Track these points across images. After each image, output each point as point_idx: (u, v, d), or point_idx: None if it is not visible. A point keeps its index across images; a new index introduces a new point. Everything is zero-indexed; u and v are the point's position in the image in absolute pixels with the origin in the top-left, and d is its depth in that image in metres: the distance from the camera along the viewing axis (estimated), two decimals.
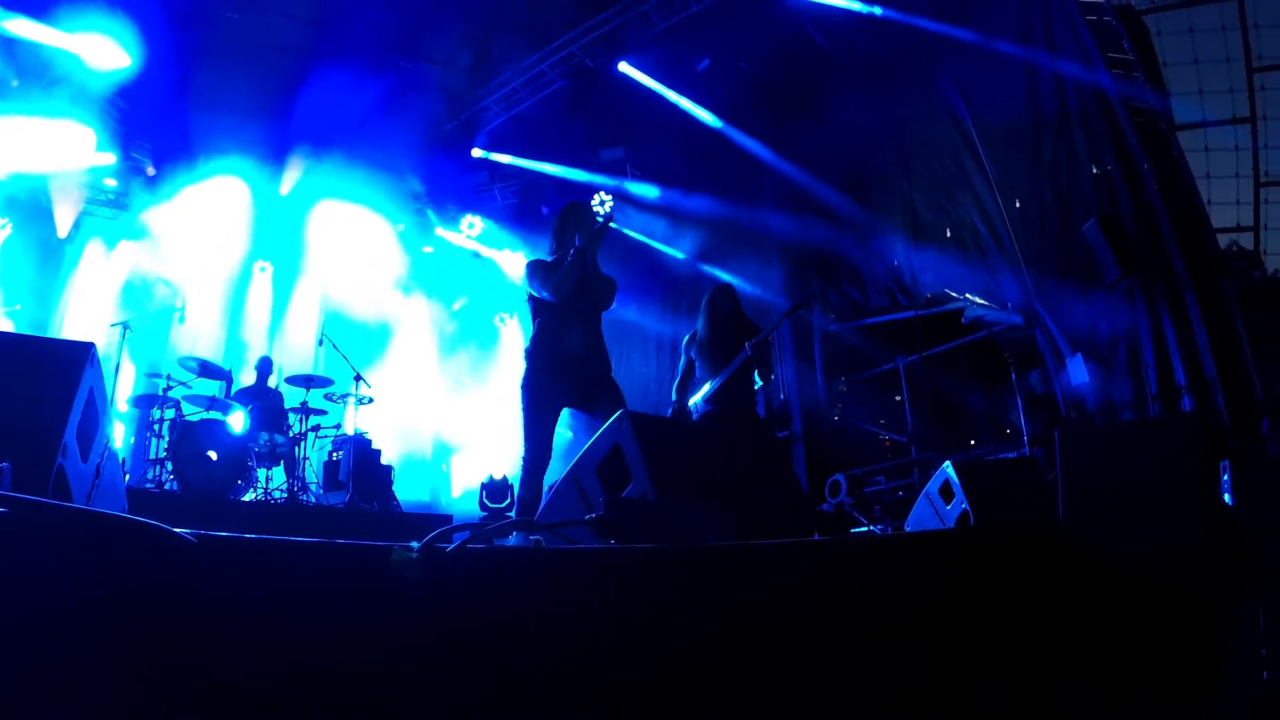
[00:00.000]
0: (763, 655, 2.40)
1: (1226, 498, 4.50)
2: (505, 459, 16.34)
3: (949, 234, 12.85)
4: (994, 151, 11.94)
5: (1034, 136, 11.42)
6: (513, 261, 17.85)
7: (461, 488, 17.66)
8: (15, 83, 12.78)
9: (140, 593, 1.89)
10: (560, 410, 6.16)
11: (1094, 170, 10.99)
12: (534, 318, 6.37)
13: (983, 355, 12.82)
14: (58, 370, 3.49)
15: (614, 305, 6.61)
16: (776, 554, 2.59)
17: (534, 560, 2.25)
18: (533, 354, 6.20)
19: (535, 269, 6.33)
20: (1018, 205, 11.74)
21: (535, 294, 6.29)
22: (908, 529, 7.34)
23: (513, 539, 4.04)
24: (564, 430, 18.00)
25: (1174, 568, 3.20)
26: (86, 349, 3.67)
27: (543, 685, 2.03)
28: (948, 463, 6.81)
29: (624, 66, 14.22)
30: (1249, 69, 12.85)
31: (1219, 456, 4.45)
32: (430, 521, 9.76)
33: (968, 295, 12.58)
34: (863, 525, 11.83)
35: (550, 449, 6.01)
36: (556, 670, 2.05)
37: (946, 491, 6.76)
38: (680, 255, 16.60)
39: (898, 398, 13.92)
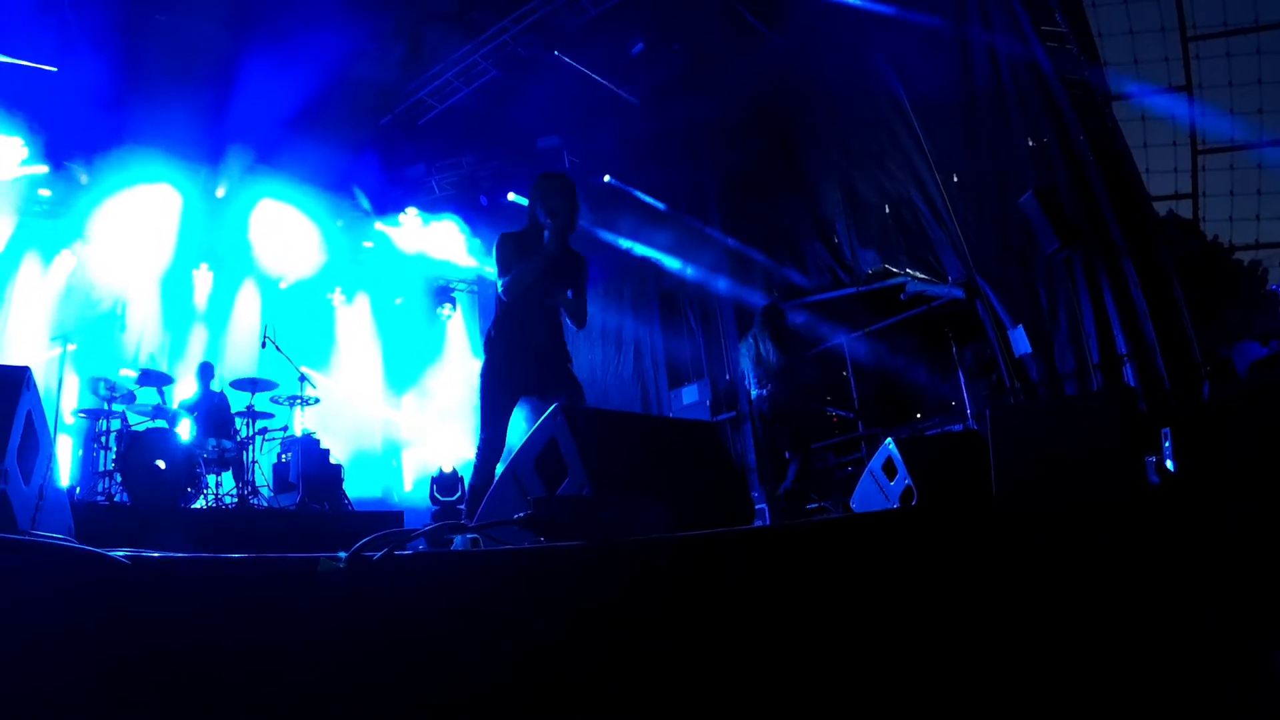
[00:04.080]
0: (699, 646, 2.44)
1: (1169, 464, 4.57)
2: (453, 452, 16.35)
3: (888, 210, 12.96)
4: (930, 127, 12.04)
5: (970, 111, 11.51)
6: (453, 253, 17.78)
7: (412, 481, 17.64)
8: None
9: (79, 618, 1.89)
10: (517, 400, 5.99)
11: (1030, 143, 11.11)
12: (497, 302, 6.11)
13: (925, 330, 12.95)
14: None
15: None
16: (705, 544, 2.62)
17: (460, 564, 2.27)
18: (494, 342, 6.00)
19: (500, 249, 6.01)
20: (955, 180, 11.85)
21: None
22: (853, 505, 7.42)
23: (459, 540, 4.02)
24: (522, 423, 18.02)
25: (1100, 546, 3.27)
26: (22, 373, 3.64)
27: (470, 686, 2.05)
28: (890, 439, 6.90)
29: (557, 54, 14.18)
30: (1184, 38, 13.04)
31: (1156, 426, 4.53)
32: (381, 519, 9.74)
33: (908, 271, 12.70)
34: (813, 503, 11.93)
35: (504, 439, 5.82)
36: (483, 671, 2.07)
37: (890, 468, 6.84)
38: (623, 242, 16.62)
39: (844, 373, 14.05)
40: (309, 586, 1.97)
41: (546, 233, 5.86)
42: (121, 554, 2.00)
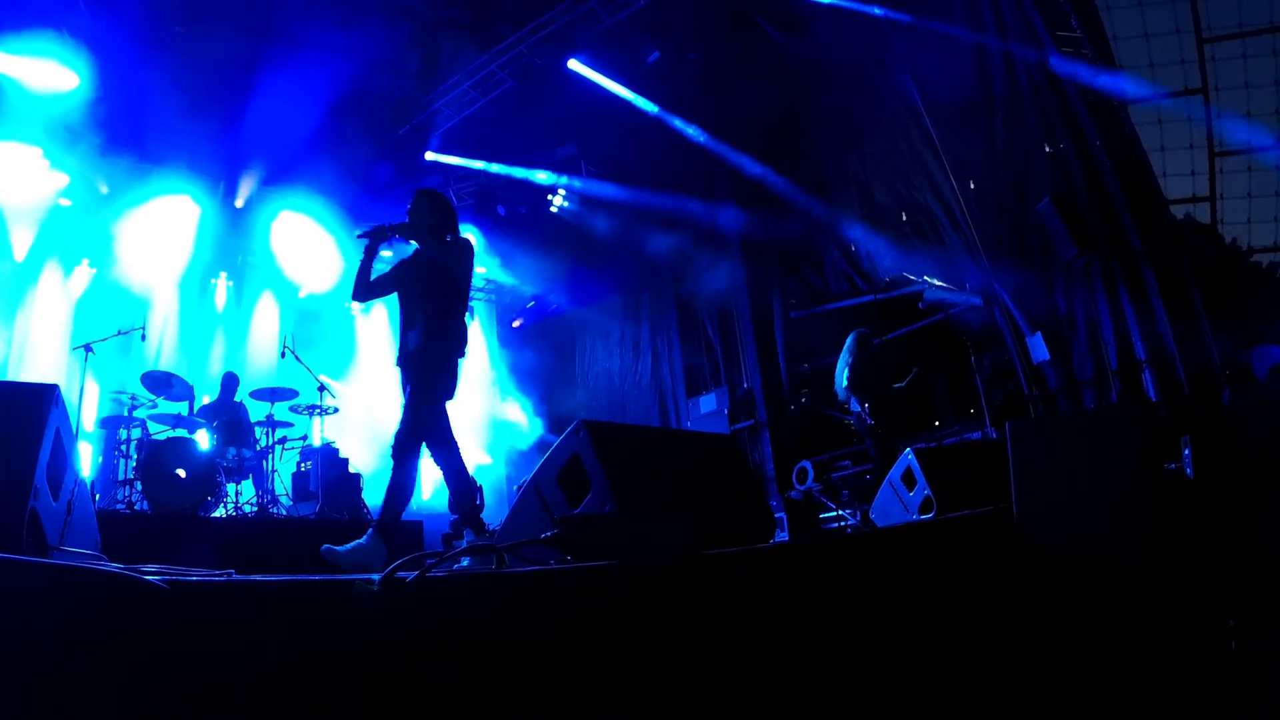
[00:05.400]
0: (731, 660, 2.46)
1: (1188, 472, 4.56)
2: (473, 460, 16.38)
3: (905, 217, 12.95)
4: (947, 134, 12.03)
5: (986, 117, 11.51)
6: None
7: (431, 489, 17.65)
8: None
9: (120, 641, 1.92)
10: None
11: (1046, 149, 11.10)
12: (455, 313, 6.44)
13: (944, 337, 12.93)
14: (23, 414, 3.50)
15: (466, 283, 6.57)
16: (729, 563, 2.64)
17: (490, 586, 2.29)
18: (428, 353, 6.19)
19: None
20: (972, 186, 11.84)
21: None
22: (872, 515, 7.45)
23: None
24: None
25: (1118, 562, 3.28)
26: (51, 391, 3.69)
27: (505, 703, 2.08)
28: (909, 450, 6.92)
29: (573, 64, 14.23)
30: (1199, 40, 12.95)
31: (1170, 441, 4.53)
32: (401, 528, 9.76)
33: (926, 278, 12.69)
34: (831, 510, 11.94)
35: None
36: (516, 688, 2.09)
37: (909, 478, 6.87)
38: (641, 251, 16.65)
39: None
40: (344, 609, 2.00)
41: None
42: (157, 575, 2.03)
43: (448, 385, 6.17)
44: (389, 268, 6.73)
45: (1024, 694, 3.14)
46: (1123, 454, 3.75)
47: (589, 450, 3.81)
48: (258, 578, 2.11)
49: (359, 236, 6.51)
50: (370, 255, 6.46)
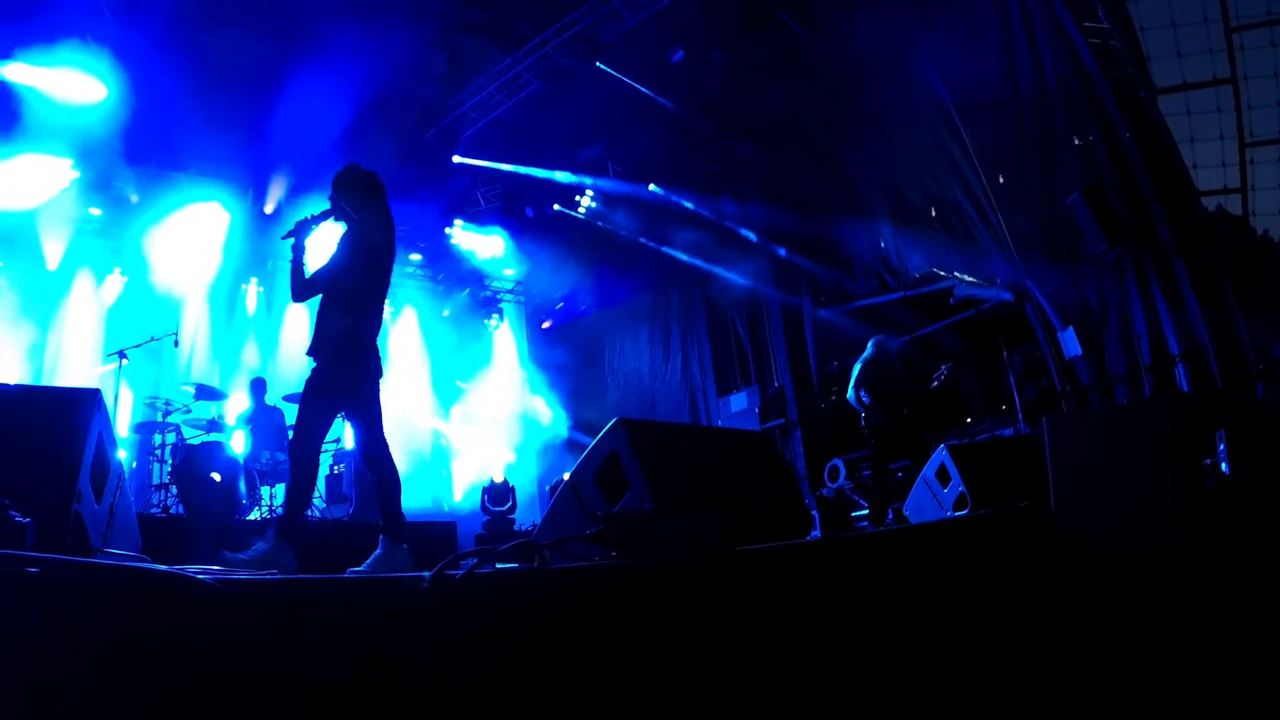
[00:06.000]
0: (762, 655, 2.47)
1: (1223, 467, 4.53)
2: (504, 462, 16.49)
3: (934, 213, 12.88)
4: (974, 128, 11.94)
5: (1014, 111, 11.43)
6: (499, 264, 17.98)
7: (462, 490, 17.74)
8: None
9: (169, 638, 1.94)
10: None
11: (1075, 141, 11.01)
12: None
13: (974, 333, 12.86)
14: (67, 419, 3.56)
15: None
16: (765, 559, 2.65)
17: (538, 582, 2.31)
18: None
19: None
20: (1001, 181, 11.76)
21: None
22: (906, 512, 7.44)
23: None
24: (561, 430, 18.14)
25: (1155, 556, 3.27)
26: (93, 395, 3.74)
27: (556, 697, 2.09)
28: (943, 446, 6.91)
29: (598, 65, 14.23)
30: (1227, 29, 12.80)
31: (1208, 433, 4.50)
32: (434, 529, 9.78)
33: (956, 274, 12.62)
34: (863, 509, 11.90)
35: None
36: (566, 682, 2.11)
37: (943, 475, 6.86)
38: (668, 251, 16.68)
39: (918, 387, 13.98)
40: (395, 606, 2.02)
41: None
42: (205, 577, 2.06)
43: (373, 369, 5.82)
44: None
45: (1059, 686, 3.13)
46: (1159, 449, 3.73)
47: (627, 448, 3.81)
48: (304, 576, 2.13)
49: (283, 238, 6.07)
50: (299, 252, 6.01)
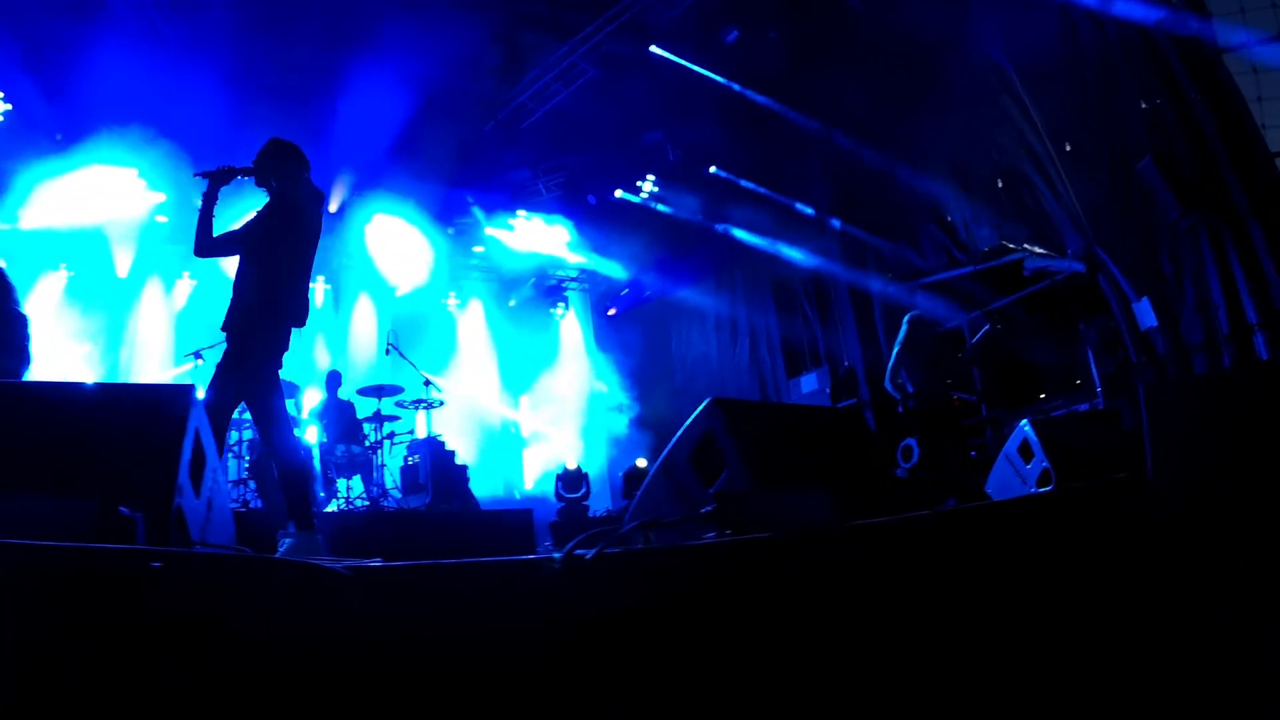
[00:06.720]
0: (881, 628, 2.48)
1: None
2: (574, 449, 16.60)
3: (1000, 184, 12.72)
4: (1037, 95, 11.76)
5: (1078, 76, 11.21)
6: (563, 253, 18.08)
7: (533, 478, 17.91)
8: (59, 136, 13.15)
9: (309, 628, 2.00)
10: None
11: (1143, 105, 10.78)
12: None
13: (1046, 306, 12.68)
14: (166, 415, 3.65)
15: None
16: (880, 532, 2.66)
17: (670, 559, 2.34)
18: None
19: None
20: (1067, 149, 11.57)
21: None
22: (988, 490, 7.36)
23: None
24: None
25: (1261, 530, 3.21)
26: (189, 391, 3.83)
27: (690, 676, 2.12)
28: (1025, 421, 6.83)
29: (653, 49, 14.22)
30: None
31: None
32: (510, 517, 9.86)
33: (1025, 246, 12.46)
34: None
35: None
36: (704, 660, 2.14)
37: (1026, 451, 6.78)
38: (733, 231, 16.66)
39: (959, 354, 13.83)
40: (528, 587, 2.07)
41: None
42: (340, 567, 2.12)
43: (275, 349, 5.62)
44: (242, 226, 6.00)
45: (1165, 664, 3.10)
46: (1265, 417, 3.65)
47: (722, 427, 3.83)
48: (435, 563, 2.18)
49: (197, 175, 5.88)
50: (209, 200, 5.80)
